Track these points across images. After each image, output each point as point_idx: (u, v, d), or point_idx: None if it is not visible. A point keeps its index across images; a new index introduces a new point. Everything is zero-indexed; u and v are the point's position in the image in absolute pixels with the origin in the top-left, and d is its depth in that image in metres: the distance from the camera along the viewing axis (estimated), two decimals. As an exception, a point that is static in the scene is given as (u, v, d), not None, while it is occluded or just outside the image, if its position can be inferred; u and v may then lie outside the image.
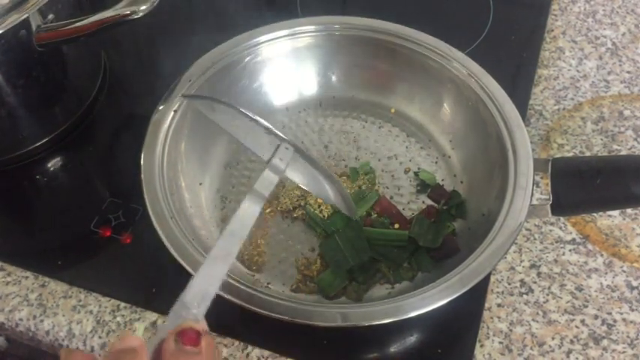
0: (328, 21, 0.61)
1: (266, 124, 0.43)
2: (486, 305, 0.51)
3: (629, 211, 0.57)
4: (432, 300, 0.43)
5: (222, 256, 0.35)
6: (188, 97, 0.47)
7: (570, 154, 0.61)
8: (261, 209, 0.39)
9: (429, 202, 0.56)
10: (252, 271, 0.52)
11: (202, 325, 0.31)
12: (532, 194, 0.48)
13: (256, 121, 0.43)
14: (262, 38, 0.60)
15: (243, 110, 0.43)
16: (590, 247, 0.55)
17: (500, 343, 0.49)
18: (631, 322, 0.51)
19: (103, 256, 0.54)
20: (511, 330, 0.50)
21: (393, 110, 0.63)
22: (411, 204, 0.56)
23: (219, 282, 0.34)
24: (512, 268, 0.54)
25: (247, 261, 0.53)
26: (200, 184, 0.57)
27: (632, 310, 0.51)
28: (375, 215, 0.55)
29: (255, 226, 0.54)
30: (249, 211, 0.39)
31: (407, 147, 0.60)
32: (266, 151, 0.43)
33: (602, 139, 0.63)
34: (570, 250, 0.55)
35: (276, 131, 0.43)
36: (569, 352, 0.49)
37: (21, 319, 0.51)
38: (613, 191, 0.46)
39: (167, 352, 0.28)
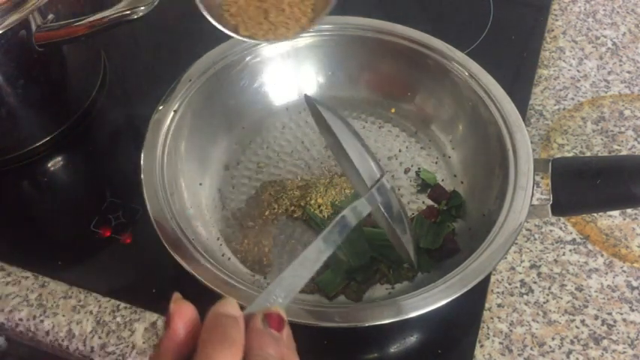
0: (328, 21, 0.61)
1: (370, 150, 0.44)
2: (486, 305, 0.51)
3: (629, 211, 0.57)
4: (432, 300, 0.43)
5: (312, 259, 0.36)
6: (311, 100, 0.47)
7: (570, 154, 0.61)
8: (353, 225, 0.40)
9: (429, 202, 0.56)
10: (254, 271, 0.52)
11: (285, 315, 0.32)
12: (532, 194, 0.48)
13: (367, 148, 0.44)
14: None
15: (358, 134, 0.44)
16: (590, 247, 0.55)
17: (501, 343, 0.49)
18: (631, 322, 0.51)
19: (103, 256, 0.54)
20: (511, 330, 0.50)
21: (393, 110, 0.63)
22: (411, 204, 0.56)
23: (304, 282, 0.35)
24: (513, 269, 0.54)
25: (250, 261, 0.53)
26: (200, 184, 0.57)
27: (633, 311, 0.51)
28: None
29: (255, 226, 0.55)
30: (342, 224, 0.39)
31: (407, 147, 0.60)
32: (367, 177, 0.43)
33: (602, 139, 0.62)
34: (570, 251, 0.55)
35: (379, 163, 0.44)
36: (569, 353, 0.49)
37: (21, 319, 0.51)
38: (613, 191, 0.46)
39: (254, 328, 0.29)
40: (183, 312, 0.29)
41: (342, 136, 0.44)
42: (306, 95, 0.48)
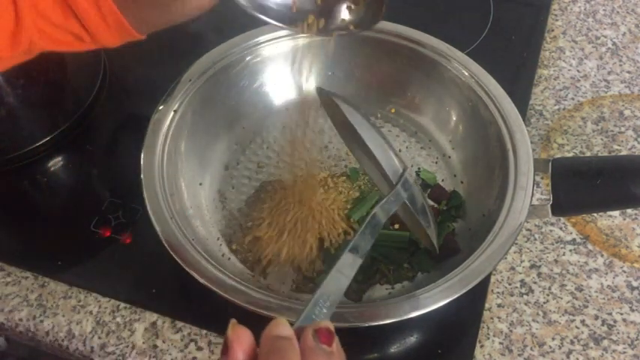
0: (328, 21, 0.61)
1: (392, 145, 0.44)
2: (486, 305, 0.51)
3: (629, 211, 0.57)
4: (432, 300, 0.43)
5: (349, 263, 0.37)
6: (324, 92, 0.46)
7: (570, 154, 0.61)
8: (383, 223, 0.41)
9: (430, 202, 0.56)
10: (254, 271, 0.52)
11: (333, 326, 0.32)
12: (532, 194, 0.48)
13: (389, 142, 0.43)
14: (262, 38, 0.60)
15: (378, 128, 0.44)
16: (590, 247, 0.55)
17: (501, 343, 0.49)
18: (631, 322, 0.51)
19: (103, 256, 0.54)
20: (511, 330, 0.50)
21: (393, 110, 0.63)
22: (411, 204, 0.56)
23: (345, 288, 0.36)
24: (513, 269, 0.54)
25: (250, 261, 0.53)
26: (200, 184, 0.57)
27: (633, 311, 0.51)
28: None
29: (255, 226, 0.54)
30: (375, 221, 0.40)
31: (407, 147, 0.60)
32: (389, 172, 0.43)
33: (602, 139, 0.62)
34: (570, 251, 0.55)
35: (400, 157, 0.44)
36: (569, 353, 0.49)
37: (21, 320, 0.51)
38: (613, 191, 0.45)
39: (307, 346, 0.29)
40: (242, 339, 0.29)
41: (362, 130, 0.43)
42: (318, 88, 0.47)
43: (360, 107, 0.45)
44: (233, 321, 0.30)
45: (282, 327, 0.30)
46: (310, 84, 0.63)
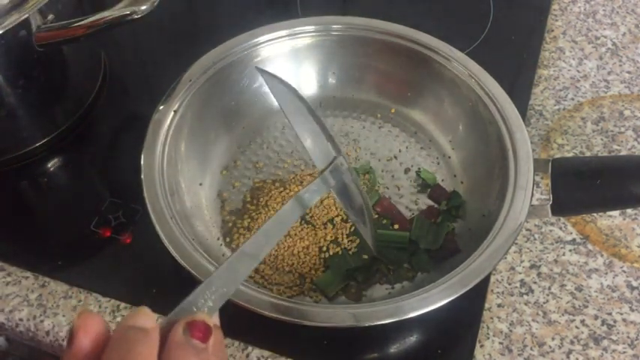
0: (328, 21, 0.61)
1: (329, 132, 0.41)
2: (486, 305, 0.51)
3: (629, 211, 0.57)
4: (432, 300, 0.43)
5: (250, 254, 0.34)
6: (261, 71, 0.45)
7: (570, 155, 0.61)
8: (299, 217, 0.38)
9: (430, 202, 0.56)
10: (253, 271, 0.52)
11: (215, 320, 0.29)
12: (532, 194, 0.48)
13: (323, 127, 0.40)
14: (262, 38, 0.60)
15: (313, 111, 0.41)
16: (590, 247, 0.55)
17: (501, 343, 0.49)
18: (631, 322, 0.51)
19: (103, 256, 0.54)
20: (511, 330, 0.50)
21: (393, 110, 0.63)
22: (411, 204, 0.56)
23: (240, 280, 0.33)
24: (513, 269, 0.54)
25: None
26: (200, 184, 0.57)
27: (633, 311, 0.51)
28: (376, 216, 0.55)
29: (255, 226, 0.54)
30: (288, 215, 0.37)
31: (407, 147, 0.60)
32: (320, 160, 0.40)
33: (602, 139, 0.63)
34: (570, 251, 0.55)
35: (336, 142, 0.41)
36: (569, 353, 0.49)
37: (21, 319, 0.51)
38: (613, 191, 0.46)
39: (173, 341, 0.26)
40: (90, 326, 0.26)
41: (291, 113, 0.40)
42: (257, 67, 0.45)
43: (297, 90, 0.42)
44: (81, 309, 0.28)
45: (141, 317, 0.26)
46: (310, 84, 0.64)
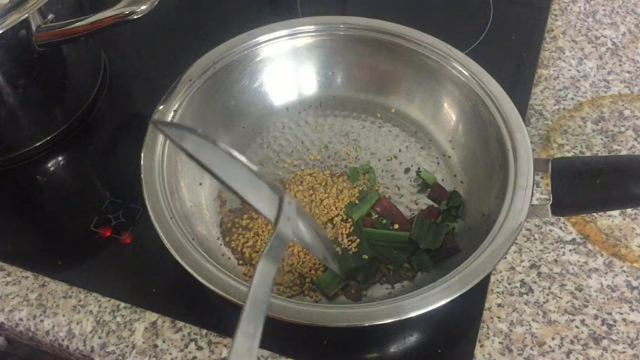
0: (328, 21, 0.61)
1: (257, 171, 0.37)
2: (486, 305, 0.51)
3: (629, 211, 0.57)
4: (432, 300, 0.43)
5: (250, 332, 0.33)
6: (159, 124, 0.37)
7: (570, 154, 0.61)
8: (276, 270, 0.36)
9: (429, 202, 0.56)
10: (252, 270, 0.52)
11: None
12: (532, 194, 0.48)
13: (253, 171, 0.36)
14: (262, 38, 0.60)
15: (234, 153, 0.36)
16: (590, 247, 0.55)
17: (501, 343, 0.49)
18: (631, 322, 0.51)
19: (103, 256, 0.54)
20: (511, 330, 0.50)
21: (393, 110, 0.63)
22: (411, 204, 0.56)
23: (254, 357, 0.32)
24: (513, 268, 0.54)
25: (249, 261, 0.53)
26: (200, 184, 0.57)
27: (632, 310, 0.51)
28: (376, 215, 0.55)
29: (255, 226, 0.54)
30: (264, 276, 0.35)
31: (407, 147, 0.60)
32: (267, 207, 0.37)
33: (602, 139, 0.63)
34: (570, 250, 0.55)
35: (274, 183, 0.38)
36: (569, 353, 0.49)
37: (21, 319, 0.51)
38: (613, 191, 0.45)
39: None
40: None
41: (216, 166, 0.35)
42: (152, 120, 0.38)
43: (207, 134, 0.36)
44: None
45: None
46: (310, 84, 0.64)
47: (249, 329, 0.33)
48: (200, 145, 0.35)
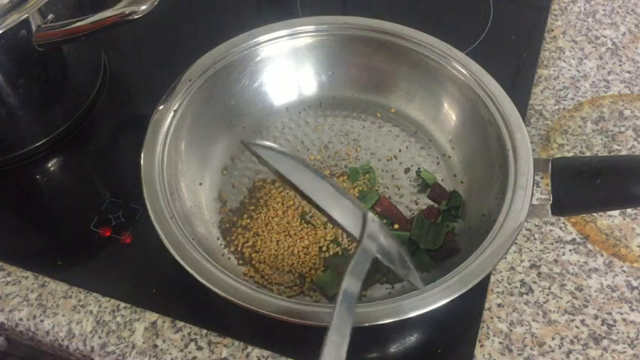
0: (328, 21, 0.61)
1: (342, 188, 0.38)
2: (486, 305, 0.51)
3: (629, 211, 0.57)
4: (432, 300, 0.43)
5: (337, 342, 0.34)
6: (250, 145, 0.38)
7: (570, 154, 0.61)
8: (360, 285, 0.37)
9: (429, 202, 0.56)
10: (255, 271, 0.52)
11: None
12: (532, 194, 0.48)
13: (337, 188, 0.38)
14: (262, 38, 0.60)
15: (318, 171, 0.38)
16: (590, 247, 0.55)
17: (501, 343, 0.49)
18: (631, 322, 0.51)
19: (103, 256, 0.54)
20: (511, 330, 0.50)
21: (393, 110, 0.63)
22: (411, 204, 0.56)
23: None
24: (513, 268, 0.54)
25: (248, 260, 0.53)
26: (200, 184, 0.57)
27: (632, 310, 0.51)
28: (376, 215, 0.55)
29: (255, 226, 0.54)
30: (350, 292, 0.36)
31: (407, 147, 0.60)
32: (351, 224, 0.38)
33: (602, 139, 0.63)
34: (570, 250, 0.55)
35: (357, 201, 0.39)
36: (569, 353, 0.49)
37: (21, 319, 0.51)
38: (613, 191, 0.45)
39: None
40: None
41: (304, 182, 0.37)
42: (243, 142, 0.39)
43: (294, 155, 0.38)
44: None
45: None
46: (310, 84, 0.64)
47: (336, 339, 0.34)
48: (287, 163, 0.37)
